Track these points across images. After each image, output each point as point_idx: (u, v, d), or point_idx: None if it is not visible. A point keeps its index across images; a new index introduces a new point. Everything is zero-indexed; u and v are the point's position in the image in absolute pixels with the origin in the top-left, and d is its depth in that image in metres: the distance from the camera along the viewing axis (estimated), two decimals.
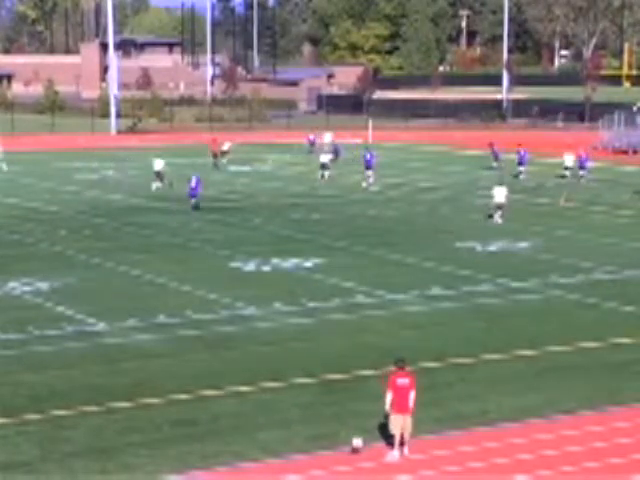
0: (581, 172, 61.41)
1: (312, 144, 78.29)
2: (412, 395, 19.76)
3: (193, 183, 50.01)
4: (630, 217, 48.47)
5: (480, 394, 23.29)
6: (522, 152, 63.20)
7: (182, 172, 66.95)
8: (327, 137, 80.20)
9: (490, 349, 26.68)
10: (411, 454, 19.70)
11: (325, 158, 63.12)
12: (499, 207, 46.36)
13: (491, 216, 46.95)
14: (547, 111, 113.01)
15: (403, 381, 19.79)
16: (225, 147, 71.19)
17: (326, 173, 61.99)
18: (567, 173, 62.23)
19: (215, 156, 68.93)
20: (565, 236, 43.26)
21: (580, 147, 65.85)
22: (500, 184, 48.04)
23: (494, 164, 66.95)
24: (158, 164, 58.73)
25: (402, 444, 19.73)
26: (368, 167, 59.83)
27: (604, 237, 42.96)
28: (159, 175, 57.73)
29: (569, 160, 62.77)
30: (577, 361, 25.89)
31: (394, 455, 19.55)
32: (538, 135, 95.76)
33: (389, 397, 19.70)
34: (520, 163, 63.05)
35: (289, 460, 19.56)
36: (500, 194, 46.51)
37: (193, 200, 49.90)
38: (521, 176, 61.94)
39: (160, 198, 54.38)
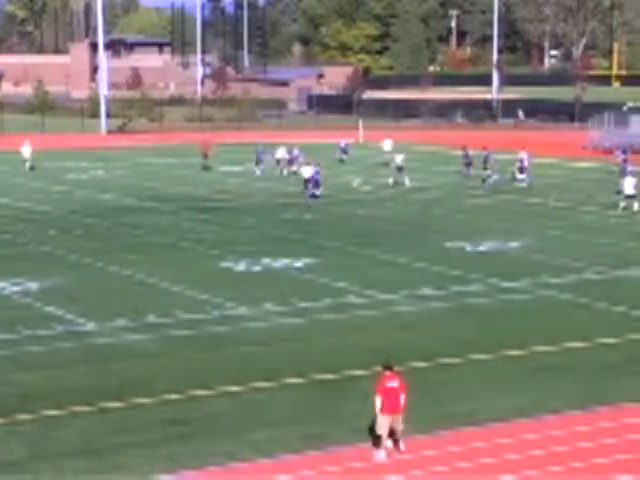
0: (521, 176, 59.56)
1: (344, 151, 71.89)
2: (402, 398, 19.84)
3: (313, 173, 53.51)
4: (621, 217, 48.58)
5: (469, 394, 23.36)
6: (487, 154, 61.96)
7: (172, 172, 67.02)
8: (387, 144, 72.09)
9: (479, 349, 26.75)
10: (400, 454, 19.76)
11: (399, 159, 59.40)
12: (629, 197, 48.93)
13: (617, 206, 49.32)
14: (537, 110, 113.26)
15: (392, 384, 19.87)
16: (283, 154, 65.92)
17: (406, 179, 58.76)
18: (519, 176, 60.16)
19: (205, 157, 68.30)
20: (556, 236, 43.35)
21: (525, 147, 62.84)
22: (632, 175, 50.13)
23: (465, 170, 63.19)
24: (398, 158, 59.59)
25: (396, 442, 19.83)
26: (291, 162, 63.67)
27: (595, 237, 43.08)
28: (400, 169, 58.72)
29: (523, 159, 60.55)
30: (566, 361, 25.96)
31: (381, 455, 19.62)
32: (527, 135, 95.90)
33: (378, 401, 19.76)
34: (486, 166, 60.44)
35: (280, 460, 19.60)
36: (629, 185, 49.11)
37: (315, 191, 53.02)
38: (490, 180, 59.52)
39: (152, 198, 54.37)
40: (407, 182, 58.53)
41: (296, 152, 64.10)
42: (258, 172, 64.53)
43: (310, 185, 53.64)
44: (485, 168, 60.51)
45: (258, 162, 65.42)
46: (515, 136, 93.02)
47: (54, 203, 52.80)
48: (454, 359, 25.95)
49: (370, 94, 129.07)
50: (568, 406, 22.45)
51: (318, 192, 53.31)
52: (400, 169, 59.08)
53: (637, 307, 31.11)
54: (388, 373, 20.06)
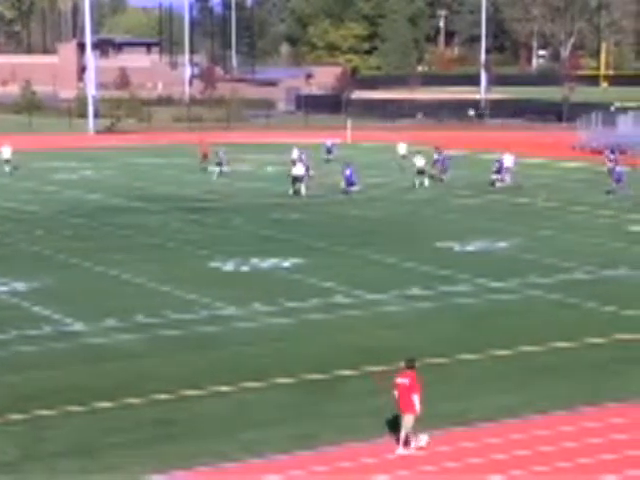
0: (498, 176, 58.61)
1: (329, 151, 71.52)
2: (413, 397, 19.85)
3: (348, 172, 54.56)
4: (610, 217, 48.70)
5: (457, 394, 23.42)
6: (439, 157, 61.41)
7: (161, 172, 66.95)
8: (402, 148, 69.40)
9: (468, 349, 26.81)
10: (387, 454, 19.79)
11: (420, 162, 58.02)
12: None
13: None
14: (525, 111, 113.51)
15: (402, 381, 19.97)
16: (297, 154, 62.62)
17: (426, 181, 58.31)
18: (494, 176, 58.74)
19: (205, 157, 66.89)
20: (545, 236, 43.40)
21: (510, 148, 63.10)
22: None
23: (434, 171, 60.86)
24: (420, 162, 58.37)
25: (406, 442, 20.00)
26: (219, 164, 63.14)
27: (584, 237, 43.17)
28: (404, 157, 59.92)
29: (508, 160, 59.68)
30: (555, 361, 26.04)
31: (398, 451, 19.86)
32: (514, 135, 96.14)
33: (395, 395, 20.05)
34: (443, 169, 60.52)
35: (270, 460, 19.63)
36: None
37: (350, 188, 54.38)
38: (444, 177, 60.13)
39: (140, 198, 54.30)
40: (426, 183, 58.53)
41: (302, 156, 60.23)
42: (214, 175, 62.69)
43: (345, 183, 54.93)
44: (442, 170, 60.62)
45: (219, 164, 63.36)
46: (502, 136, 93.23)
47: (42, 203, 52.70)
48: (443, 359, 26.01)
49: (358, 94, 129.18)
50: (556, 406, 22.53)
51: (353, 189, 54.60)
52: (421, 172, 58.37)
53: (625, 307, 31.22)
54: (406, 369, 20.14)
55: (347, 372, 24.91)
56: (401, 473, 19.15)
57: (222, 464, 19.45)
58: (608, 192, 55.78)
